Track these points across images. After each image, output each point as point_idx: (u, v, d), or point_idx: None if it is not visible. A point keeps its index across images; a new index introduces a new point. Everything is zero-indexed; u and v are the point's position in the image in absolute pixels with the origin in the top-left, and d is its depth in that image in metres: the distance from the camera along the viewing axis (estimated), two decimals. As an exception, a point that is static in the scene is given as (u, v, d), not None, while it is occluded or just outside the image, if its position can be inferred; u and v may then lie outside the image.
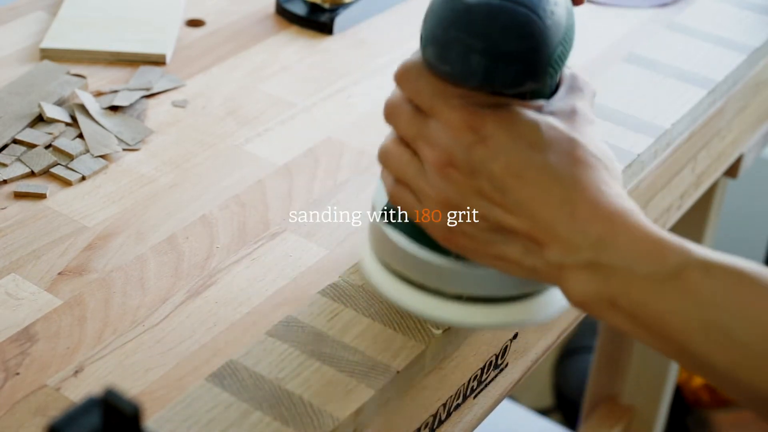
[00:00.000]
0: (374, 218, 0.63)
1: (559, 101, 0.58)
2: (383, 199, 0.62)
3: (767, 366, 0.52)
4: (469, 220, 0.57)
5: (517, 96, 0.56)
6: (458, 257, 0.60)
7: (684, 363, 0.55)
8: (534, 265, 0.56)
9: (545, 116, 0.56)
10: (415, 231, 0.61)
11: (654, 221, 0.85)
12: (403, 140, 0.59)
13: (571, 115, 0.57)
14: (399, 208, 0.60)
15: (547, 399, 1.85)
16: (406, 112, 0.58)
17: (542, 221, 0.55)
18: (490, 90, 0.56)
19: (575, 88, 0.59)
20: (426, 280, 0.61)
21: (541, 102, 0.57)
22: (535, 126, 0.55)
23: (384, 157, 0.60)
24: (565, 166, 0.55)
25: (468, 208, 0.56)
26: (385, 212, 0.62)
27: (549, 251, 0.55)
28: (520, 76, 0.55)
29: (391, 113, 0.59)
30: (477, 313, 0.61)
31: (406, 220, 0.61)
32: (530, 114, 0.56)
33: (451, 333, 0.64)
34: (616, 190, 0.55)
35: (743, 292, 0.52)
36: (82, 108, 0.82)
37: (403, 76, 0.57)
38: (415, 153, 0.58)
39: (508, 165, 0.55)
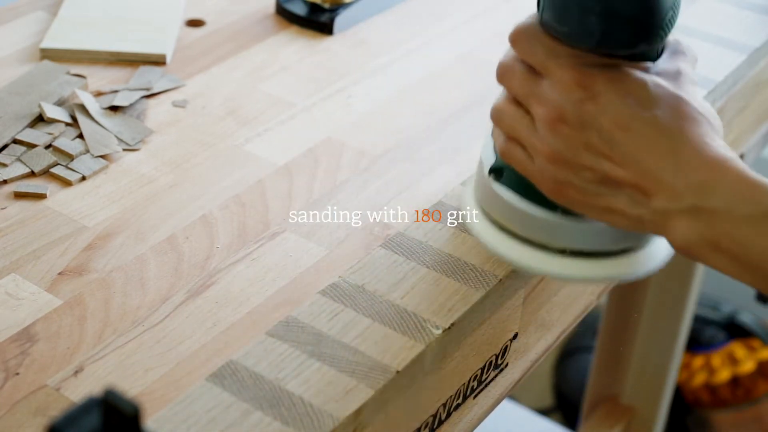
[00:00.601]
0: (483, 175, 0.67)
1: (664, 63, 0.62)
2: (491, 157, 0.66)
3: None
4: (577, 173, 0.60)
5: (626, 58, 0.60)
6: (564, 212, 0.63)
7: None
8: (640, 215, 0.60)
9: (652, 76, 0.60)
10: (523, 187, 0.64)
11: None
12: (515, 99, 0.62)
13: (676, 75, 0.61)
14: (508, 165, 0.64)
15: (547, 399, 1.85)
16: (520, 72, 0.61)
17: (648, 171, 0.58)
18: (604, 51, 0.59)
19: (679, 51, 0.63)
20: (533, 234, 0.65)
21: (648, 64, 0.61)
22: (642, 84, 0.59)
23: (497, 115, 0.64)
24: (671, 120, 0.58)
25: (577, 161, 0.60)
26: (495, 169, 0.66)
27: (654, 200, 0.58)
28: (634, 37, 0.59)
29: (504, 73, 0.63)
30: (581, 266, 0.65)
31: (515, 177, 0.64)
32: (638, 73, 0.60)
33: (452, 332, 0.64)
34: (718, 142, 0.59)
35: None
36: (82, 108, 0.82)
37: (518, 37, 0.61)
38: (527, 111, 0.62)
39: (617, 119, 0.58)
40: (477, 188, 0.68)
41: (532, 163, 0.62)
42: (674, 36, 0.64)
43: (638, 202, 0.59)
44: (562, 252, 0.65)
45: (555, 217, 0.64)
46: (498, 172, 0.66)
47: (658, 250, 0.66)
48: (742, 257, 0.57)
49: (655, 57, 0.62)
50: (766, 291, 0.59)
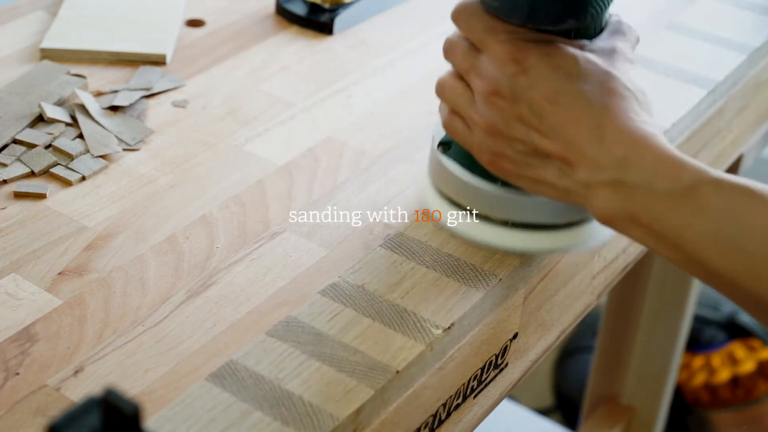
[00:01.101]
0: (433, 149, 0.70)
1: (600, 41, 0.64)
2: (441, 131, 0.69)
3: (767, 272, 0.56)
4: (510, 145, 0.62)
5: (560, 34, 0.62)
6: (505, 184, 0.66)
7: (696, 273, 0.60)
8: (566, 186, 0.62)
9: (584, 52, 0.62)
10: (467, 160, 0.67)
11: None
12: (458, 74, 0.65)
13: (610, 53, 0.63)
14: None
15: (547, 399, 1.85)
16: (462, 48, 0.64)
17: (573, 143, 0.60)
18: (535, 26, 0.61)
19: (618, 31, 0.65)
20: (476, 206, 0.67)
21: (584, 42, 0.63)
22: (573, 59, 0.61)
23: (440, 89, 0.66)
24: (598, 95, 0.60)
25: (510, 133, 0.62)
26: (443, 143, 0.69)
27: (578, 171, 0.60)
28: (562, 13, 0.61)
29: (448, 49, 0.65)
30: (521, 238, 0.67)
31: (460, 150, 0.67)
32: (570, 49, 0.61)
33: (452, 332, 0.64)
34: (643, 117, 0.61)
35: (750, 205, 0.57)
36: (82, 108, 0.82)
37: (459, 15, 0.64)
38: (468, 85, 0.64)
39: (546, 92, 0.60)
40: (429, 163, 0.71)
41: (471, 135, 0.64)
42: (617, 16, 0.66)
43: (565, 173, 0.61)
44: (504, 223, 0.67)
45: (495, 189, 0.66)
46: (446, 145, 0.69)
47: (601, 226, 0.68)
48: (659, 232, 0.59)
49: (592, 35, 0.64)
50: (681, 265, 0.60)
